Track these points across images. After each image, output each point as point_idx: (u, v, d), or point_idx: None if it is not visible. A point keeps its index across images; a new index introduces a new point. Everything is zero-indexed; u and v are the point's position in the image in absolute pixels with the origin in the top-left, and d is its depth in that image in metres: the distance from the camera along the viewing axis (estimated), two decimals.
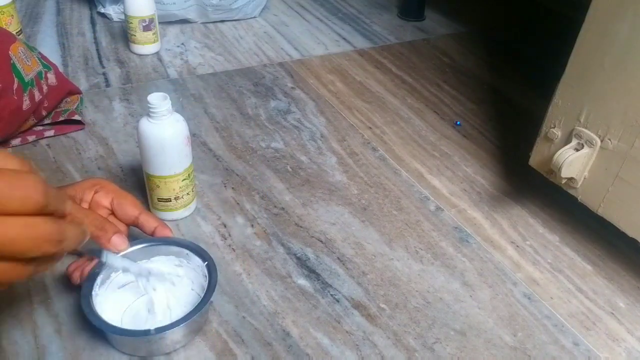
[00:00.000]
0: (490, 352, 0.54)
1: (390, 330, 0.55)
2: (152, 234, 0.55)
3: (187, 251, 0.54)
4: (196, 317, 0.49)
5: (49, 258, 0.35)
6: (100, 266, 0.51)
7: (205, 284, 0.51)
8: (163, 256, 0.55)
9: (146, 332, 0.47)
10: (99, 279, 0.51)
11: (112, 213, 0.55)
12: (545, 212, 0.74)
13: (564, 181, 0.66)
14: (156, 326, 0.48)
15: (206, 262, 0.53)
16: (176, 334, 0.49)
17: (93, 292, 0.50)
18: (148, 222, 0.55)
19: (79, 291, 0.50)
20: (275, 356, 0.52)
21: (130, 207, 0.55)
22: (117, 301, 0.53)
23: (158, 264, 0.55)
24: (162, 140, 0.58)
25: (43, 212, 0.33)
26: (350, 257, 0.64)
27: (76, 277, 0.52)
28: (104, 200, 0.55)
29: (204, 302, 0.50)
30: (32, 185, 0.32)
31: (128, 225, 0.56)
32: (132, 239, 0.54)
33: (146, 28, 0.99)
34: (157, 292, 0.52)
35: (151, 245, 0.54)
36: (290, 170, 0.77)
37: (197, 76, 0.97)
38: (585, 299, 0.62)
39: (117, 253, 0.51)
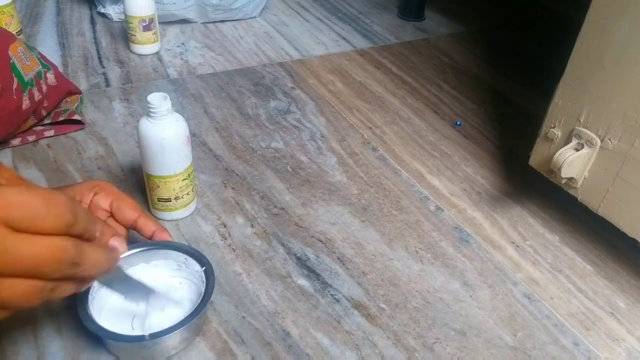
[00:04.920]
0: (490, 352, 0.54)
1: (390, 330, 0.55)
2: (151, 238, 0.55)
3: (185, 256, 0.54)
4: (191, 323, 0.48)
5: (68, 283, 0.35)
6: None
7: (203, 290, 0.51)
8: (162, 260, 0.55)
9: (140, 338, 0.47)
10: (96, 282, 0.50)
11: (112, 215, 0.55)
12: (545, 212, 0.74)
13: (564, 181, 0.66)
14: (152, 332, 0.48)
15: (204, 268, 0.52)
16: (171, 340, 0.49)
17: (90, 296, 0.49)
18: (147, 225, 0.55)
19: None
20: (275, 356, 0.52)
21: (129, 209, 0.54)
22: (114, 305, 0.52)
23: (157, 277, 0.54)
24: (162, 140, 0.58)
25: (70, 232, 0.33)
26: (350, 257, 0.64)
27: None
28: (103, 202, 0.54)
29: (200, 308, 0.49)
30: (64, 204, 0.33)
31: (127, 228, 0.56)
32: (132, 242, 0.54)
33: (146, 28, 0.99)
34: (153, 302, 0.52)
35: (150, 249, 0.54)
36: (290, 170, 0.77)
37: (197, 76, 0.97)
38: (585, 299, 0.62)
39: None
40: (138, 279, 0.49)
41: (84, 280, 0.37)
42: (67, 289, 0.36)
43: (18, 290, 0.32)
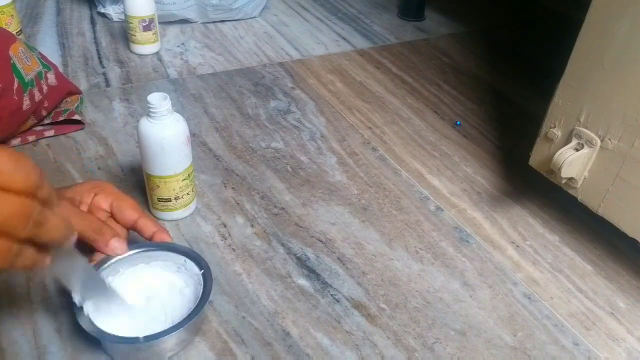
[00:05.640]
0: (490, 352, 0.54)
1: (390, 330, 0.55)
2: (151, 239, 0.55)
3: (185, 258, 0.54)
4: (188, 326, 0.48)
5: (31, 250, 0.36)
6: (97, 269, 0.51)
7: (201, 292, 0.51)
8: (161, 262, 0.55)
9: (135, 340, 0.46)
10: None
11: (112, 216, 0.55)
12: (545, 212, 0.74)
13: (564, 181, 0.66)
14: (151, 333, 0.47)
15: (202, 271, 0.52)
16: (166, 343, 0.49)
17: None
18: (147, 226, 0.55)
19: None
20: (275, 356, 0.52)
21: (129, 210, 0.54)
22: (113, 305, 0.52)
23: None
24: (162, 140, 0.58)
25: (35, 194, 0.34)
26: (350, 257, 0.64)
27: None
28: (104, 203, 0.54)
29: (197, 311, 0.49)
30: (33, 167, 0.34)
31: (127, 228, 0.56)
32: (132, 242, 0.54)
33: (146, 28, 0.99)
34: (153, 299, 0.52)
35: (149, 251, 0.54)
36: (290, 170, 0.77)
37: (197, 76, 0.97)
38: (585, 299, 0.62)
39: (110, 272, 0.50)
40: (96, 274, 0.49)
41: (44, 248, 0.38)
42: (29, 257, 0.37)
43: None
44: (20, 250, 0.35)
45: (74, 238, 0.42)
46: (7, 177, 0.33)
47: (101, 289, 0.49)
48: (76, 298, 0.48)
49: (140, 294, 0.53)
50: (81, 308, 0.48)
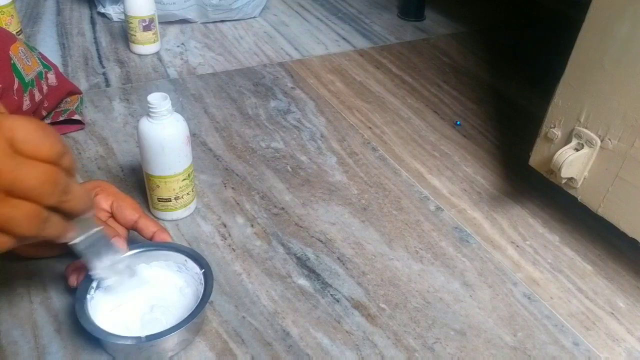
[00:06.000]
0: (490, 352, 0.54)
1: (390, 330, 0.55)
2: (151, 239, 0.55)
3: (185, 257, 0.54)
4: (189, 325, 0.48)
5: (58, 218, 0.38)
6: (97, 270, 0.51)
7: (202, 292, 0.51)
8: (162, 261, 0.55)
9: (136, 340, 0.46)
10: (94, 282, 0.50)
11: (112, 216, 0.55)
12: (545, 212, 0.74)
13: (564, 181, 0.66)
14: (152, 332, 0.48)
15: (203, 270, 0.52)
16: (168, 342, 0.49)
17: (88, 296, 0.49)
18: (147, 226, 0.55)
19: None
20: (275, 356, 0.52)
21: (130, 210, 0.55)
22: (113, 306, 0.52)
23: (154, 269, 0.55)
24: (162, 140, 0.58)
25: (60, 163, 0.36)
26: (350, 257, 0.64)
27: (73, 280, 0.52)
28: (104, 203, 0.54)
29: (198, 310, 0.49)
30: (57, 136, 0.36)
31: (127, 228, 0.56)
32: (132, 242, 0.54)
33: (146, 28, 0.99)
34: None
35: (150, 250, 0.54)
36: (290, 170, 0.77)
37: (197, 76, 0.97)
38: (585, 299, 0.62)
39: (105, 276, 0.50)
40: (117, 250, 0.50)
41: (69, 216, 0.40)
42: (56, 225, 0.38)
43: (21, 211, 0.35)
44: (49, 217, 0.37)
45: (94, 210, 0.43)
46: (35, 146, 0.34)
47: (118, 261, 0.50)
48: (96, 275, 0.49)
49: (141, 294, 0.53)
50: (84, 299, 0.49)
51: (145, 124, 0.59)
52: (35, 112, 0.74)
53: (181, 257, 0.54)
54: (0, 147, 0.33)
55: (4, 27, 0.92)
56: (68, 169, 0.37)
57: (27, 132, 0.34)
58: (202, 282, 0.51)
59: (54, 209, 0.37)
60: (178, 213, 0.65)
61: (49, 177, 0.35)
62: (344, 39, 1.18)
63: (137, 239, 0.57)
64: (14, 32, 0.92)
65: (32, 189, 0.34)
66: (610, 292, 0.63)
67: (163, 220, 0.65)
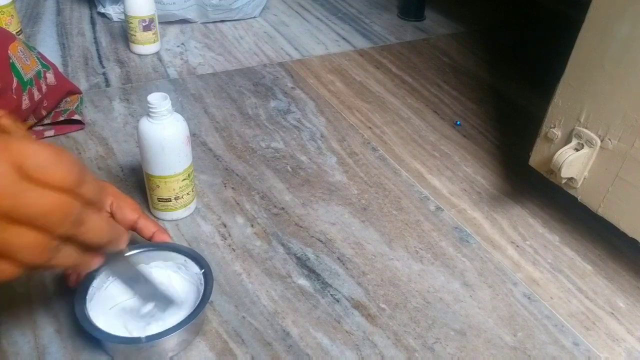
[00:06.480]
0: (490, 352, 0.54)
1: (390, 330, 0.55)
2: (151, 239, 0.55)
3: (185, 258, 0.54)
4: (189, 326, 0.48)
5: (70, 248, 0.36)
6: (97, 270, 0.51)
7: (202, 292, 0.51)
8: (161, 262, 0.55)
9: (137, 340, 0.46)
10: (95, 283, 0.50)
11: (112, 216, 0.55)
12: (545, 212, 0.74)
13: (564, 181, 0.66)
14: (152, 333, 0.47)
15: (203, 270, 0.52)
16: (168, 343, 0.49)
17: (88, 296, 0.49)
18: (147, 226, 0.55)
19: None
20: (275, 356, 0.52)
21: (130, 210, 0.54)
22: (113, 306, 0.52)
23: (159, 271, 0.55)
24: (162, 140, 0.58)
25: (76, 192, 0.34)
26: (350, 257, 0.64)
27: (72, 281, 0.52)
28: (104, 203, 0.54)
29: (197, 311, 0.49)
30: (75, 164, 0.34)
31: (127, 229, 0.55)
32: (132, 243, 0.54)
33: (146, 28, 0.99)
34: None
35: (150, 251, 0.54)
36: (290, 170, 0.77)
37: (197, 76, 0.97)
38: (585, 299, 0.62)
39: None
40: (148, 275, 0.49)
41: (86, 248, 0.38)
42: (69, 255, 0.36)
43: (26, 240, 0.33)
44: (59, 248, 0.35)
45: (123, 243, 0.41)
46: (47, 173, 0.32)
47: (155, 294, 0.50)
48: (139, 303, 0.49)
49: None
50: (84, 299, 0.49)
51: (145, 124, 0.59)
52: (35, 112, 0.74)
53: (181, 258, 0.54)
54: (5, 171, 0.31)
55: (4, 27, 0.92)
56: (89, 200, 0.35)
57: (39, 157, 0.32)
58: (202, 282, 0.51)
59: (68, 239, 0.35)
60: (178, 213, 0.65)
61: (58, 207, 0.33)
62: (344, 39, 1.18)
63: (137, 240, 0.57)
64: (14, 32, 0.92)
65: (36, 217, 0.32)
66: (610, 292, 0.63)
67: (163, 220, 0.65)
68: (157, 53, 1.04)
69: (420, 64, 1.10)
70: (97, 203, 0.36)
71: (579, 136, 0.63)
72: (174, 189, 0.62)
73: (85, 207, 0.35)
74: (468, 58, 1.15)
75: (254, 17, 1.23)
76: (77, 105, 0.81)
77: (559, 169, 0.63)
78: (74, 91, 0.82)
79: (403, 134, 0.87)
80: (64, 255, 0.36)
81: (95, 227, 0.36)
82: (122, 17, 1.09)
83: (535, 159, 0.71)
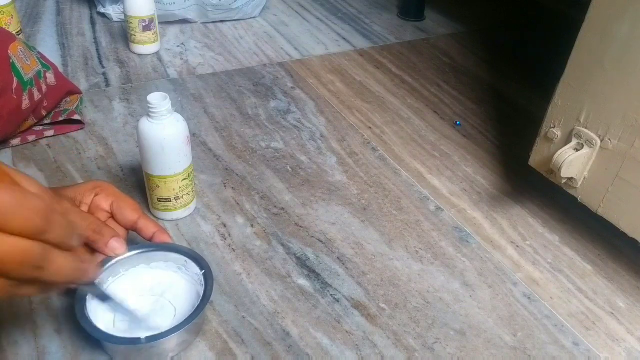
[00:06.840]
0: (490, 352, 0.54)
1: (390, 330, 0.55)
2: (151, 239, 0.55)
3: (185, 258, 0.54)
4: (189, 327, 0.48)
5: (31, 286, 0.35)
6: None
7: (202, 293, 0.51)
8: (162, 262, 0.55)
9: (136, 341, 0.46)
10: (95, 283, 0.50)
11: (112, 216, 0.55)
12: (545, 212, 0.74)
13: (564, 181, 0.66)
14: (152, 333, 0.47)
15: (203, 271, 0.52)
16: (168, 343, 0.49)
17: (88, 296, 0.49)
18: (147, 227, 0.54)
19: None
20: (275, 356, 0.52)
21: (130, 211, 0.54)
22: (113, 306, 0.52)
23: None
24: (162, 140, 0.58)
25: (40, 238, 0.33)
26: (350, 257, 0.64)
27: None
28: (104, 203, 0.54)
29: (198, 312, 0.49)
30: (39, 208, 0.32)
31: (127, 229, 0.56)
32: (132, 243, 0.54)
33: (146, 28, 0.99)
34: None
35: (150, 251, 0.54)
36: (290, 170, 0.77)
37: (197, 76, 0.97)
38: (585, 299, 0.62)
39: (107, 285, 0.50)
40: (120, 300, 0.49)
41: (49, 285, 0.37)
42: (30, 291, 0.36)
43: None
44: (19, 287, 0.34)
45: (91, 278, 0.41)
46: (7, 220, 0.31)
47: (98, 292, 0.49)
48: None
49: (142, 295, 0.53)
50: (84, 299, 0.49)
51: (145, 124, 0.59)
52: (35, 112, 0.74)
53: (181, 258, 0.54)
54: None
55: (4, 27, 0.92)
56: (54, 244, 0.34)
57: (0, 202, 0.31)
58: (202, 283, 0.51)
59: (29, 281, 0.35)
60: (178, 213, 0.65)
61: (15, 254, 0.32)
62: (344, 39, 1.18)
63: (137, 240, 0.57)
64: (14, 32, 0.92)
65: None
66: (610, 292, 0.63)
67: (163, 220, 0.65)
68: (157, 53, 1.04)
69: (420, 64, 1.10)
70: (64, 244, 0.35)
71: (579, 136, 0.63)
72: (174, 189, 0.62)
73: (49, 250, 0.34)
74: (468, 58, 1.15)
75: (254, 17, 1.23)
76: (77, 105, 0.81)
77: (559, 169, 0.63)
78: (74, 91, 0.82)
79: (403, 134, 0.87)
80: (25, 291, 0.35)
81: (58, 269, 0.35)
82: (122, 17, 1.09)
83: (535, 159, 0.71)
